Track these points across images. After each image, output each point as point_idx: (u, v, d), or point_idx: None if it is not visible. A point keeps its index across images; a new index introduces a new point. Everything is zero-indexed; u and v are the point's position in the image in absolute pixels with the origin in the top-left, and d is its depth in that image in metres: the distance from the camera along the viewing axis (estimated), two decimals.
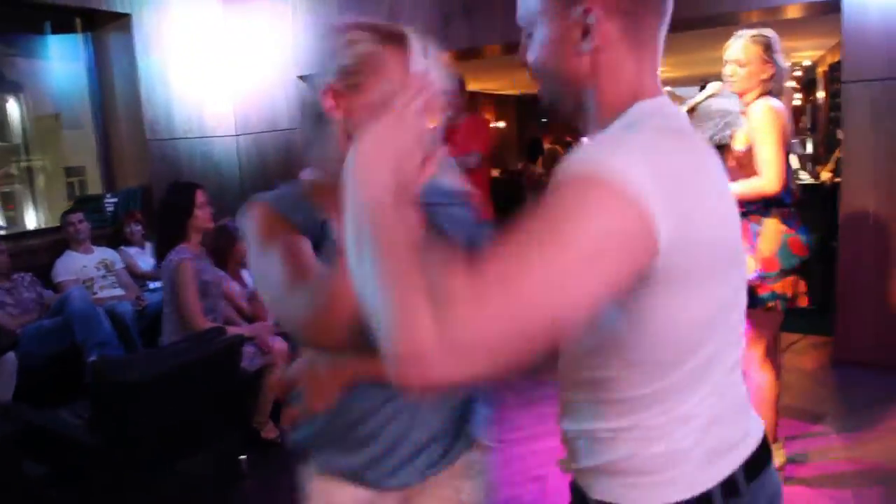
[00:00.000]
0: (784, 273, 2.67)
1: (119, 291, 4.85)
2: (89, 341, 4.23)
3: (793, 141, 2.90)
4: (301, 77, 5.97)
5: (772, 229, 2.68)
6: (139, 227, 5.24)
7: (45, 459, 2.83)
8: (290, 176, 1.40)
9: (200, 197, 3.42)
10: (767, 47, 2.70)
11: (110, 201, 5.56)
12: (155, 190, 5.62)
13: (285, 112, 6.11)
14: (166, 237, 3.44)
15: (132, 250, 5.20)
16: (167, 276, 3.38)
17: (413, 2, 5.35)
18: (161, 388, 2.87)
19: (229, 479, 3.37)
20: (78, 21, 5.66)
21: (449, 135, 5.03)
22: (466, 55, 5.78)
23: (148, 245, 5.26)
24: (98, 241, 5.10)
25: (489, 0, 5.05)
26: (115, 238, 5.30)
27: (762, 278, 2.67)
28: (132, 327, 4.48)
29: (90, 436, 2.78)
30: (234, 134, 6.34)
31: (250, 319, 3.88)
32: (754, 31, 2.76)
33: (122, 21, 5.54)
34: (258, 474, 3.40)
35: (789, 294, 2.70)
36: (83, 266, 4.82)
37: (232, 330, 3.41)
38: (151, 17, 5.66)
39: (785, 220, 2.70)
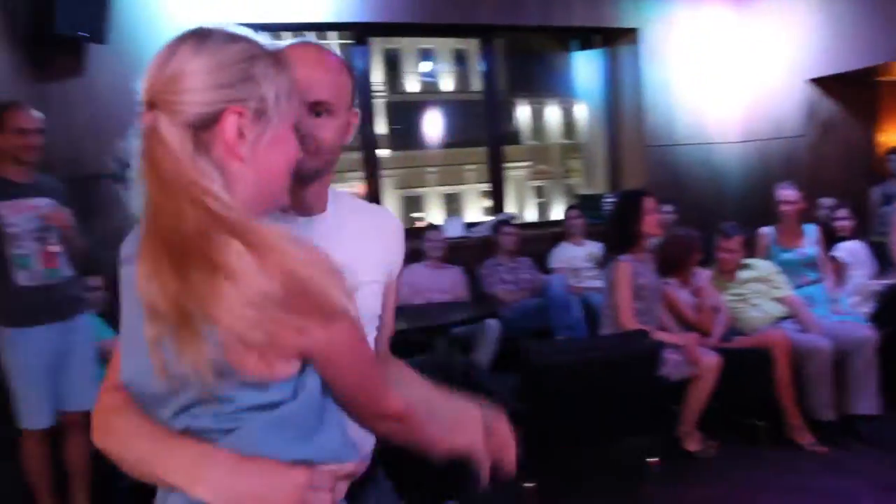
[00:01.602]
0: None
1: (600, 283, 5.33)
2: (559, 323, 4.81)
3: None
4: (812, 80, 5.59)
5: None
6: None
7: None
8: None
9: (647, 204, 3.60)
10: None
11: (608, 200, 6.08)
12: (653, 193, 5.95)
13: (792, 118, 5.79)
14: (613, 241, 3.72)
15: None
16: (607, 275, 3.66)
17: None
18: (575, 374, 3.18)
19: (632, 477, 3.53)
20: (597, 38, 6.31)
21: None
22: None
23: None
24: (593, 236, 5.66)
25: None
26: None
27: None
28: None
29: (516, 402, 3.24)
30: (736, 141, 6.26)
31: (692, 329, 3.91)
32: None
33: (630, 35, 5.99)
34: (666, 482, 3.46)
35: None
36: (573, 256, 5.43)
37: (659, 335, 3.52)
38: (657, 29, 5.97)
39: None
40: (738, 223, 4.41)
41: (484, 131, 6.38)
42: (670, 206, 5.67)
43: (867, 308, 4.33)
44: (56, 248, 3.05)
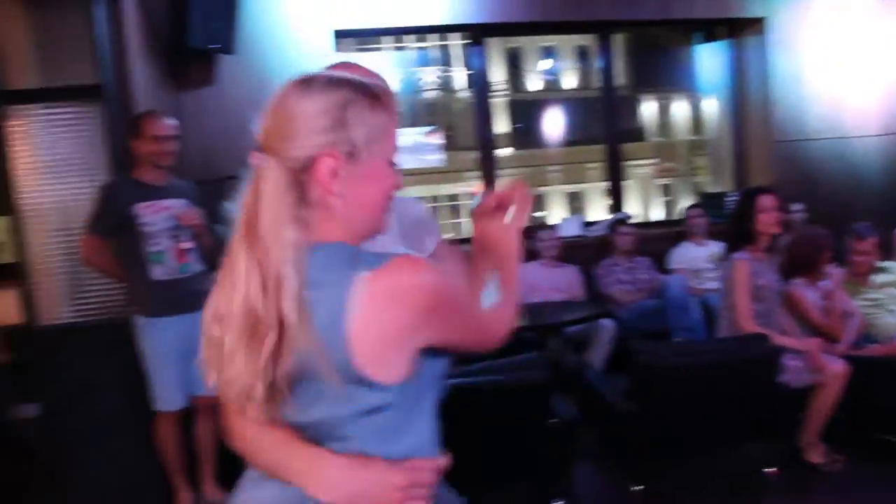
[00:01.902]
0: None
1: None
2: (677, 325, 4.68)
3: None
4: None
5: None
6: None
7: (583, 408, 3.39)
8: None
9: (764, 202, 3.43)
10: None
11: (731, 199, 5.84)
12: (781, 191, 5.65)
13: None
14: (731, 239, 3.57)
15: None
16: (724, 275, 3.53)
17: None
18: (687, 377, 3.09)
19: (747, 487, 3.38)
20: (721, 29, 6.07)
21: None
22: None
23: None
24: (716, 236, 5.45)
25: None
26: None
27: None
28: None
29: (626, 403, 3.19)
30: (876, 134, 5.85)
31: (820, 334, 3.70)
32: None
33: (757, 25, 5.72)
34: (784, 493, 3.30)
35: None
36: (694, 257, 5.26)
37: (780, 339, 3.36)
38: (787, 17, 5.67)
39: None
40: (876, 223, 4.13)
41: (617, 127, 6.25)
42: (799, 204, 5.39)
43: None
44: (188, 245, 3.28)
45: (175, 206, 3.27)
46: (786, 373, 3.37)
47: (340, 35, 5.21)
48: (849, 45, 5.77)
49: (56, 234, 3.39)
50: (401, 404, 1.05)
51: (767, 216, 3.43)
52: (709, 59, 6.43)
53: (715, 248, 5.26)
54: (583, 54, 21.26)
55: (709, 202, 5.93)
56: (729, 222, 3.74)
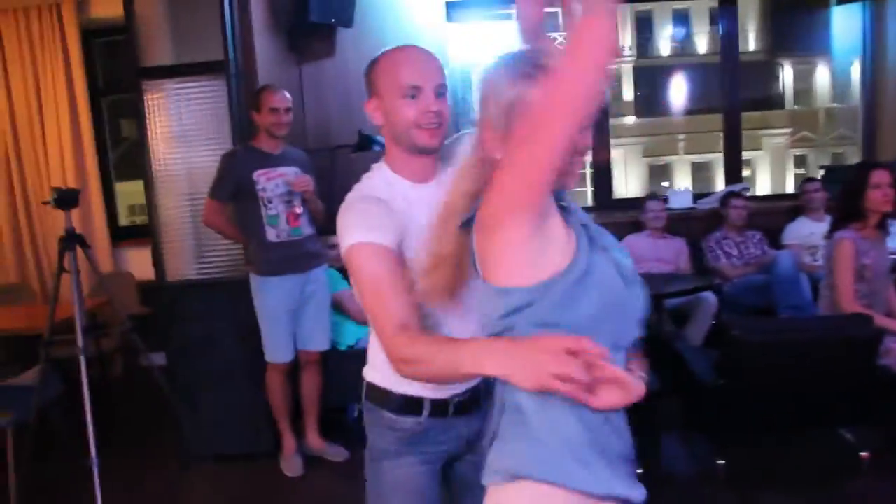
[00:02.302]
0: None
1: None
2: (784, 302, 4.54)
3: None
4: None
5: None
6: None
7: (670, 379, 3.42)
8: None
9: (876, 177, 3.27)
10: None
11: None
12: None
13: None
14: (838, 215, 3.45)
15: None
16: (827, 253, 3.42)
17: None
18: (779, 354, 3.06)
19: (840, 470, 3.30)
20: None
21: None
22: None
23: None
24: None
25: None
26: None
27: None
28: None
29: (714, 377, 3.19)
30: None
31: None
32: None
33: None
34: (881, 479, 3.21)
35: None
36: (811, 233, 5.06)
37: (884, 321, 3.24)
38: None
39: None
40: None
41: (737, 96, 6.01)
42: None
43: None
44: (299, 210, 3.54)
45: (289, 174, 3.53)
46: (889, 356, 3.25)
47: (452, 6, 5.34)
48: None
49: (183, 198, 3.73)
50: (545, 300, 1.18)
51: (880, 192, 3.29)
52: (846, 22, 6.08)
53: None
54: (715, 18, 20.32)
55: (832, 175, 5.65)
56: (838, 197, 3.60)
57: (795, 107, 19.51)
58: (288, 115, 3.54)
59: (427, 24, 5.13)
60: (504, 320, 1.22)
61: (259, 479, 3.58)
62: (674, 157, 20.42)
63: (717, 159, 19.86)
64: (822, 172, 6.06)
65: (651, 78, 19.87)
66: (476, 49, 5.51)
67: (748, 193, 5.36)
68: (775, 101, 19.19)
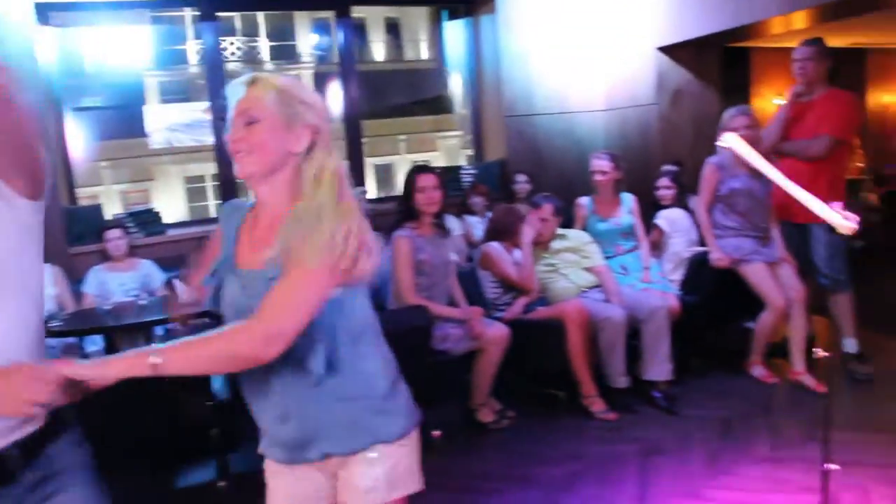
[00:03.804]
0: None
1: (454, 258, 5.33)
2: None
3: None
4: (660, 48, 5.62)
5: None
6: (480, 199, 5.63)
7: None
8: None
9: (422, 181, 3.59)
10: None
11: (468, 172, 6.09)
12: (511, 164, 5.99)
13: (645, 86, 5.82)
14: (397, 217, 3.73)
15: (473, 219, 5.64)
16: (389, 251, 3.68)
17: None
18: None
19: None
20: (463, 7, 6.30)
21: (797, 114, 4.23)
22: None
23: (488, 216, 5.64)
24: (449, 209, 5.64)
25: None
26: (463, 207, 5.80)
27: None
28: None
29: None
30: (600, 109, 6.28)
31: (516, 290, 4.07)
32: None
33: (489, 4, 5.97)
34: (450, 454, 3.52)
35: None
36: None
37: (440, 309, 3.56)
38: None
39: None
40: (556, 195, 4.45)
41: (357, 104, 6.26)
42: (524, 175, 5.70)
43: (679, 276, 4.41)
44: None
45: None
46: (448, 340, 3.58)
47: (43, 8, 4.91)
48: (570, 26, 6.13)
49: None
50: None
51: (425, 195, 3.59)
52: (454, 37, 6.64)
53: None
54: (390, 28, 21.40)
55: (447, 176, 6.13)
56: (398, 200, 3.89)
57: (464, 111, 21.29)
58: None
59: (14, 26, 4.65)
60: None
61: None
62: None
63: (401, 161, 20.95)
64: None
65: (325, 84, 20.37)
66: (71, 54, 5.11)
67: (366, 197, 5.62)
68: (446, 106, 20.68)
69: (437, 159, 20.40)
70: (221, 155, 5.55)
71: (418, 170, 3.67)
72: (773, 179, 2.37)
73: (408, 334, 3.32)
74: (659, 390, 3.89)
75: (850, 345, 4.22)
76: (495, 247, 4.13)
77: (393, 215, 3.78)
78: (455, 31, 6.58)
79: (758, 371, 4.17)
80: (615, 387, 3.87)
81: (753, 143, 4.06)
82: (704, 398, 4.00)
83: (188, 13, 17.74)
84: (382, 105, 19.55)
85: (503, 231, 4.21)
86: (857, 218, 2.18)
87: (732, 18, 4.88)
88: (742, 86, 7.54)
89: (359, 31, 21.53)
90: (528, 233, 4.09)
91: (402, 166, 20.79)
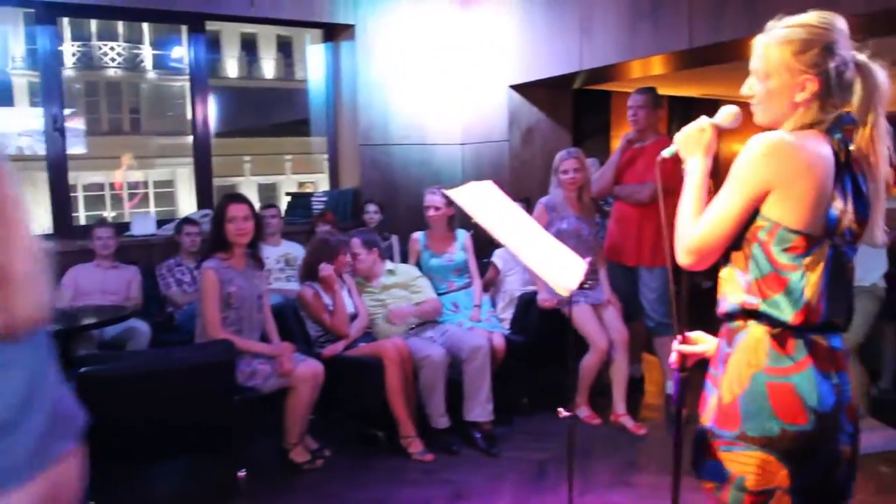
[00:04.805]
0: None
1: (294, 285, 5.16)
2: None
3: None
4: (512, 86, 5.69)
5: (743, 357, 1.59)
6: (327, 227, 5.50)
7: None
8: None
9: (232, 211, 3.44)
10: (804, 48, 1.54)
11: (319, 199, 5.96)
12: (364, 193, 5.90)
13: (499, 122, 5.88)
14: (208, 246, 3.56)
15: None
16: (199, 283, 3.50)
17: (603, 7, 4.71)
18: (130, 385, 3.00)
19: (221, 493, 3.40)
20: (321, 33, 6.20)
21: (630, 160, 4.35)
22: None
23: None
24: (296, 236, 5.49)
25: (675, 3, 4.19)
26: (311, 235, 5.66)
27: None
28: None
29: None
30: (457, 143, 6.30)
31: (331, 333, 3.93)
32: (794, 20, 1.55)
33: (348, 31, 5.91)
34: (256, 496, 3.35)
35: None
36: (266, 257, 5.23)
37: (244, 345, 3.40)
38: (373, 27, 5.92)
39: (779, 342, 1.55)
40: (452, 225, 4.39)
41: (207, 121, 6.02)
42: (374, 205, 5.61)
43: (510, 315, 4.41)
44: None
45: None
46: (256, 377, 3.42)
47: None
48: (428, 59, 6.14)
49: None
50: None
51: (235, 226, 3.44)
52: (318, 62, 6.53)
53: (290, 248, 5.31)
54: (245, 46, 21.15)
55: (298, 202, 6.00)
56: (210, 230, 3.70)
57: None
58: None
59: None
60: None
61: None
62: (241, 179, 20.63)
63: (287, 180, 20.60)
64: (288, 199, 6.40)
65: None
66: None
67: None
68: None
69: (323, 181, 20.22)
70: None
71: (230, 199, 3.51)
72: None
73: (209, 369, 3.16)
74: (480, 431, 3.85)
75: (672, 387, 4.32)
76: (308, 291, 3.98)
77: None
78: (317, 55, 6.48)
79: (582, 412, 4.20)
80: (435, 427, 3.80)
81: (582, 185, 4.22)
82: (526, 440, 3.99)
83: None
84: (261, 124, 19.20)
85: (314, 268, 4.03)
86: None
87: (581, 61, 4.99)
88: (602, 127, 7.75)
89: (250, 47, 21.20)
90: (325, 268, 3.94)
91: (287, 185, 20.45)
